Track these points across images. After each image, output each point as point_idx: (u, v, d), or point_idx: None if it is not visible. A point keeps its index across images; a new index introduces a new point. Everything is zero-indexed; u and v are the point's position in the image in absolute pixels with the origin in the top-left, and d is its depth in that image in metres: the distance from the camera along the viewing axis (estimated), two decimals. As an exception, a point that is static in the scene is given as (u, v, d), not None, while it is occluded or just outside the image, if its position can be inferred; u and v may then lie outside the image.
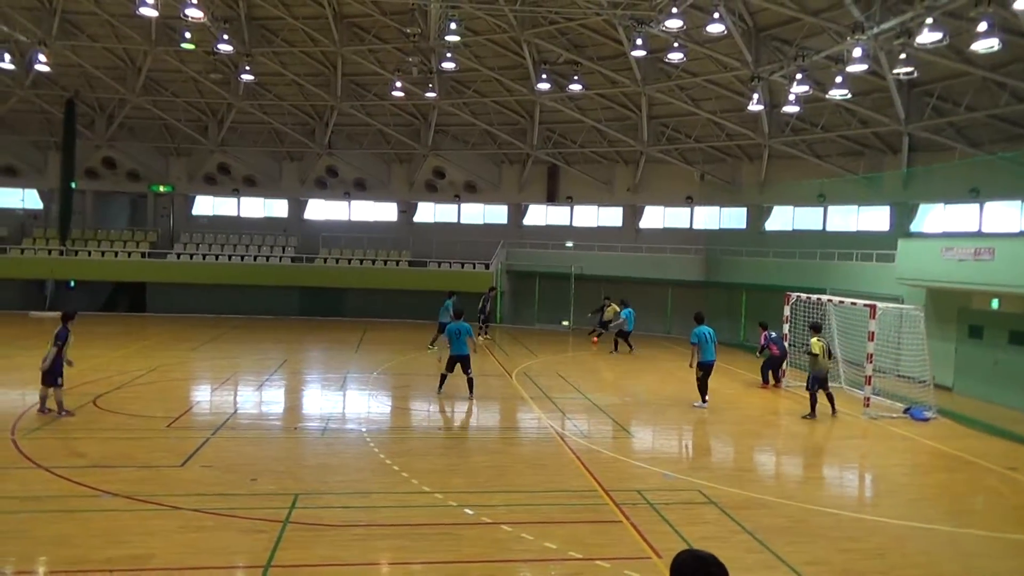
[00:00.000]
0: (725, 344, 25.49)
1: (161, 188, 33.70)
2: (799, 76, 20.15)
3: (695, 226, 31.48)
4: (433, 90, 28.51)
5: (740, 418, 14.44)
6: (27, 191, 33.54)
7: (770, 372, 17.82)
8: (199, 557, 6.99)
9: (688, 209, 31.53)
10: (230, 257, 31.98)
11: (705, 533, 7.94)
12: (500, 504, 8.71)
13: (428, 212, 34.96)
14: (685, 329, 17.97)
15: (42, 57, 25.76)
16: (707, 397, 14.90)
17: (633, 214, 32.47)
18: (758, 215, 29.60)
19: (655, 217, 32.44)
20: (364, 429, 12.25)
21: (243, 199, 34.82)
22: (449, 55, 25.56)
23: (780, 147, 27.13)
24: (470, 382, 14.83)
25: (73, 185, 31.17)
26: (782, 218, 29.23)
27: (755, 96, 22.97)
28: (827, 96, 21.15)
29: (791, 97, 21.49)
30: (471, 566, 7.05)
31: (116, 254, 31.29)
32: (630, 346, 23.24)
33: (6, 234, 31.89)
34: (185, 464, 9.81)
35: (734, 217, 30.58)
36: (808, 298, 18.32)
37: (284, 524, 7.75)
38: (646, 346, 24.41)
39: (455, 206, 34.54)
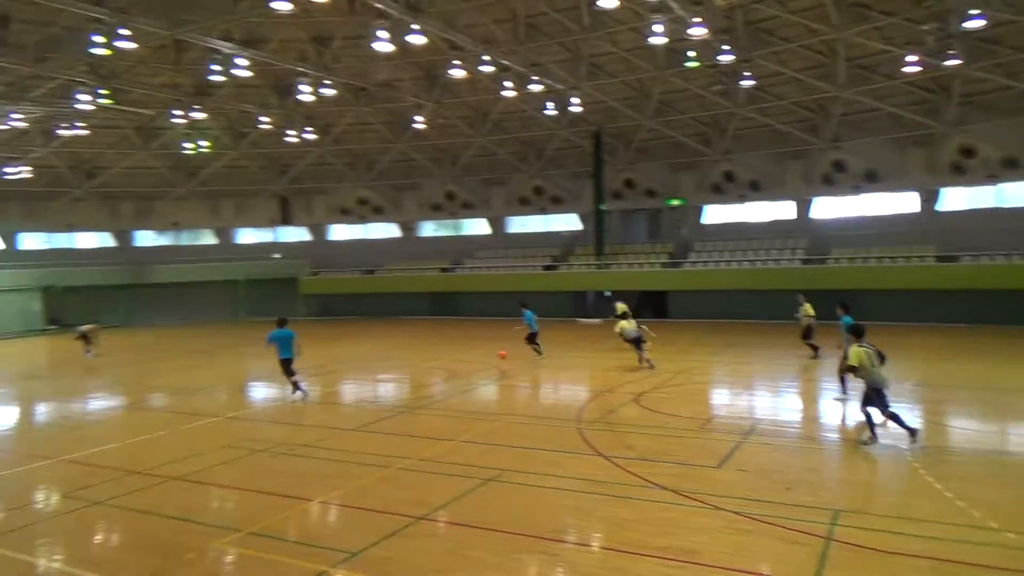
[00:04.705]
0: None
1: (674, 202, 36.32)
2: None
3: None
4: (954, 57, 24.86)
5: None
6: (569, 215, 39.67)
7: None
8: (745, 560, 7.27)
9: None
10: (740, 263, 32.75)
11: None
12: (1099, 555, 7.08)
13: (957, 198, 30.57)
14: None
15: (575, 100, 30.24)
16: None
17: None
18: None
19: None
20: (904, 446, 11.25)
21: (748, 204, 35.35)
22: (975, 12, 21.92)
23: None
24: None
25: (602, 207, 35.70)
26: None
27: None
28: None
29: None
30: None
31: (640, 265, 34.81)
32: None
33: (557, 253, 38.21)
34: (721, 466, 10.34)
35: None
36: None
37: (827, 540, 7.58)
38: None
39: (989, 188, 29.47)
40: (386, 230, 44.04)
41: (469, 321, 34.57)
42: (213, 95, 34.24)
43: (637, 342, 19.23)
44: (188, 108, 32.28)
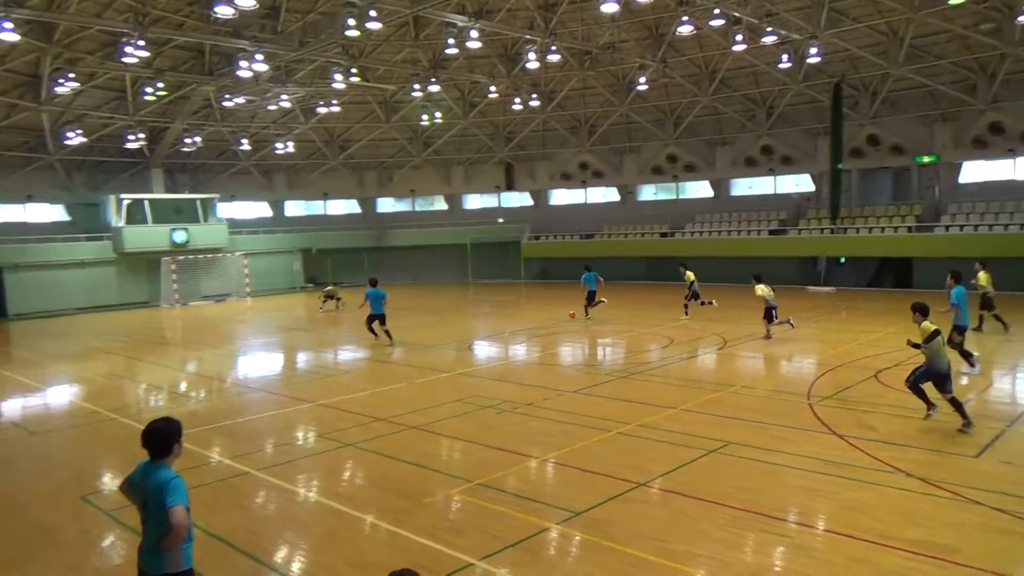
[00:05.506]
0: None
1: (925, 158, 32.53)
2: None
3: None
4: None
5: None
6: (800, 176, 37.04)
7: None
8: (1012, 564, 6.44)
9: None
10: (1006, 227, 28.70)
11: None
12: None
13: None
14: None
15: (813, 50, 27.93)
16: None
17: None
18: None
19: None
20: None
21: (1020, 160, 30.75)
22: None
23: None
24: None
25: (840, 166, 32.86)
26: None
27: None
28: None
29: None
30: None
31: (882, 230, 31.73)
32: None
33: (785, 217, 35.94)
34: (980, 455, 9.22)
35: None
36: None
37: (1119, 552, 6.50)
38: None
39: None
40: (605, 194, 44.01)
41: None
42: (447, 68, 36.07)
43: (774, 310, 18.62)
44: (425, 82, 34.28)
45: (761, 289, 18.64)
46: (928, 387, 10.57)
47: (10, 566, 7.29)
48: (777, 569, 6.59)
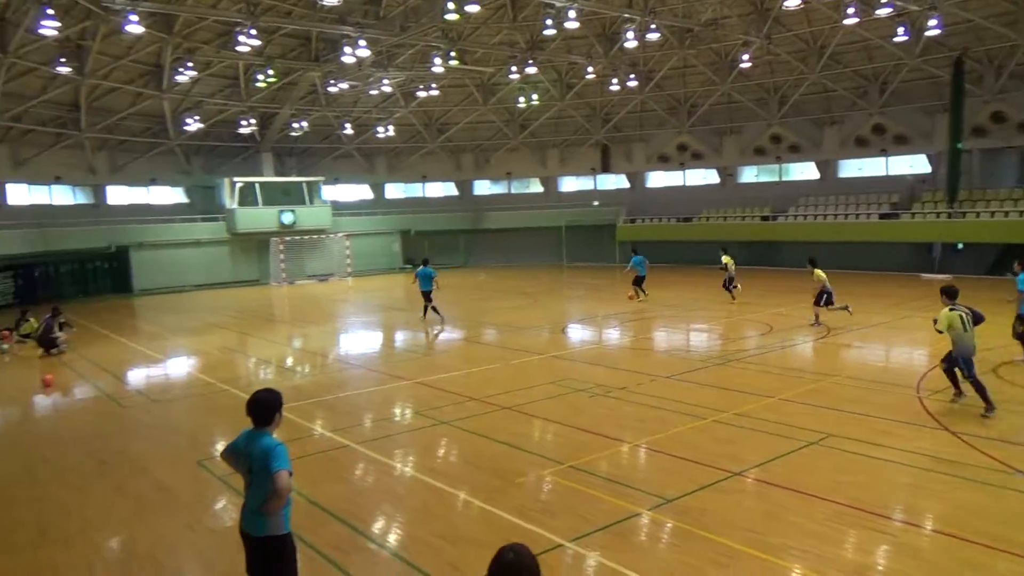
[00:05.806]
0: None
1: (1058, 137, 30.07)
2: None
3: None
4: None
5: None
6: (915, 157, 34.96)
7: None
8: None
9: None
10: None
11: None
12: None
13: None
14: None
15: (932, 22, 26.17)
16: None
17: None
18: None
19: None
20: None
21: None
22: None
23: None
24: None
25: (959, 145, 30.82)
26: None
27: None
28: None
29: None
30: None
31: (1006, 214, 29.61)
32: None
33: (897, 200, 34.04)
34: (1110, 460, 8.56)
35: None
36: None
37: None
38: None
39: None
40: (704, 176, 42.90)
41: (789, 272, 32.43)
42: (544, 49, 35.95)
43: (830, 296, 18.38)
44: (522, 64, 34.32)
45: (818, 274, 18.45)
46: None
47: (134, 522, 7.90)
48: (880, 568, 6.34)
